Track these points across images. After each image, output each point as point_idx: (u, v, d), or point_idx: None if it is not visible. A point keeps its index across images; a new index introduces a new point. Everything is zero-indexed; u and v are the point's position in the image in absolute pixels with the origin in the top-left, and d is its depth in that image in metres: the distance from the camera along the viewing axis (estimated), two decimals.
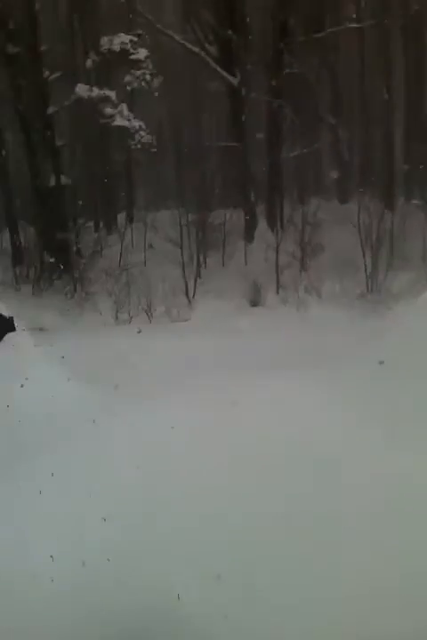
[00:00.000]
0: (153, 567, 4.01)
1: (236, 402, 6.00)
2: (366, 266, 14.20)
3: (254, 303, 13.89)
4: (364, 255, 14.28)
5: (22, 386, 6.35)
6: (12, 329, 7.33)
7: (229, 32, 18.16)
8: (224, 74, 18.52)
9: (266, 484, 4.71)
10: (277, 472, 4.86)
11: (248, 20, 18.86)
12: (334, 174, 23.35)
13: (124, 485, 4.80)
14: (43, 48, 17.38)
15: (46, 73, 17.37)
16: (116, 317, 13.52)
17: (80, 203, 18.82)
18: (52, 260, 16.39)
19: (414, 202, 18.98)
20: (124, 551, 4.13)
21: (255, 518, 4.39)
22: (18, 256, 17.42)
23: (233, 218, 17.66)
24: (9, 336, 7.24)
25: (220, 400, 6.17)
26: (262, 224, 18.57)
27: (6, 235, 18.56)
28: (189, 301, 14.52)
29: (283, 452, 5.06)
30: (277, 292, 14.49)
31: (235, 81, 18.48)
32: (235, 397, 6.09)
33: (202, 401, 6.21)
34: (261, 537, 4.23)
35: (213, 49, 19.03)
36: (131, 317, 13.41)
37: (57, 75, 17.73)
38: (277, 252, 15.12)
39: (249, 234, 18.08)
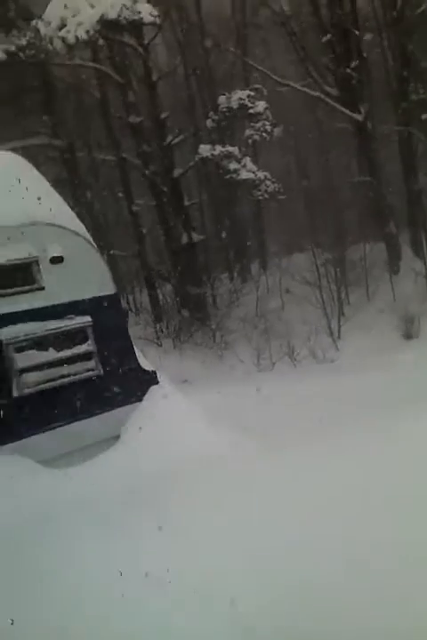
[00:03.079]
0: None
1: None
2: None
3: (409, 335, 12.66)
4: None
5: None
6: (156, 382, 6.98)
7: (348, 70, 17.69)
8: (347, 112, 18.00)
9: None
10: None
11: (365, 54, 18.34)
12: None
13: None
14: (163, 115, 17.94)
15: (169, 137, 17.91)
16: (258, 364, 12.94)
17: (212, 257, 18.85)
18: (188, 314, 16.39)
19: None
20: None
21: None
22: (157, 313, 17.68)
23: (373, 251, 16.70)
24: (153, 389, 6.88)
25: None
26: (407, 253, 17.34)
27: (145, 294, 18.98)
28: (334, 341, 13.60)
29: None
30: None
31: (359, 117, 17.90)
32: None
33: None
34: None
35: (333, 90, 18.65)
36: (273, 363, 12.78)
37: (180, 138, 18.22)
38: None
39: (394, 265, 16.93)
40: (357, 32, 17.65)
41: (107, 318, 6.57)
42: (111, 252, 17.71)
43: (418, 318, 12.84)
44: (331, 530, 3.69)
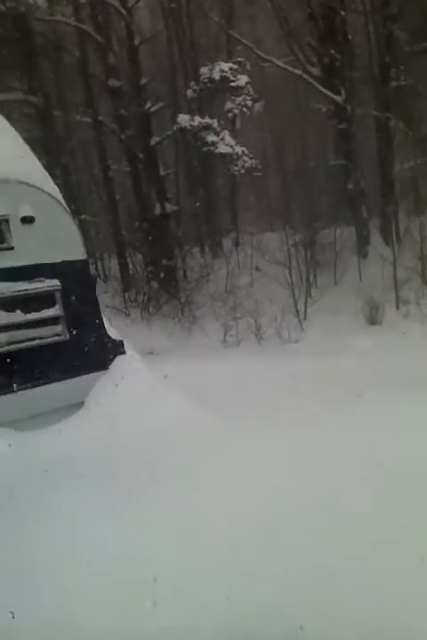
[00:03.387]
0: None
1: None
2: None
3: (373, 321, 12.90)
4: None
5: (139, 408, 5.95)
6: (123, 352, 7.00)
7: (332, 51, 17.65)
8: (328, 93, 17.99)
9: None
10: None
11: (350, 37, 18.30)
12: None
13: None
14: (143, 81, 17.67)
15: (148, 104, 17.66)
16: (225, 340, 13.05)
17: (185, 229, 18.80)
18: (158, 285, 16.35)
19: None
20: None
21: None
22: (127, 282, 17.57)
23: (344, 235, 16.87)
24: (119, 358, 6.91)
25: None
26: (376, 239, 17.55)
27: (115, 262, 18.84)
28: (300, 322, 13.77)
29: None
30: (398, 308, 13.39)
31: (340, 99, 17.90)
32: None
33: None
34: None
35: (315, 69, 18.59)
36: (239, 340, 12.90)
37: (159, 105, 17.99)
38: (394, 266, 14.05)
39: (362, 250, 17.14)
40: (342, 12, 17.53)
41: (76, 284, 6.53)
42: (83, 216, 17.50)
43: (383, 305, 13.08)
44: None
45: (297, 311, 14.02)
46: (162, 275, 16.81)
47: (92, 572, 3.44)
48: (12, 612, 3.06)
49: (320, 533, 3.52)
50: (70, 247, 6.56)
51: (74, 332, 6.45)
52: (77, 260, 6.64)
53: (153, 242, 17.23)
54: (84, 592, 3.30)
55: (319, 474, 4.18)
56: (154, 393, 6.47)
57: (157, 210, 17.75)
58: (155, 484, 4.39)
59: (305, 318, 13.98)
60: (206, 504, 4.01)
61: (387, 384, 6.96)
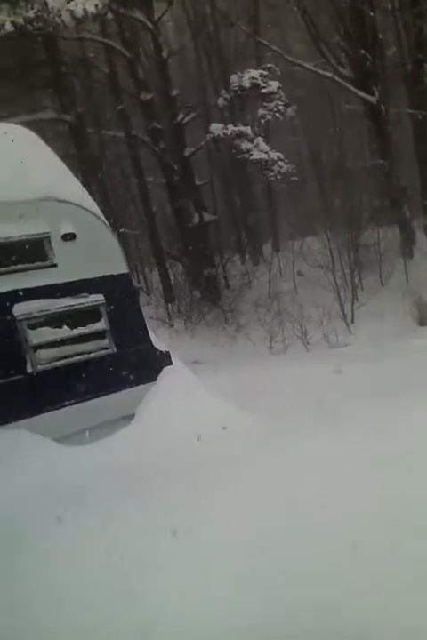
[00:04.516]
0: None
1: None
2: None
3: (423, 322, 12.47)
4: None
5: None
6: (170, 363, 6.90)
7: (362, 51, 17.34)
8: (361, 93, 17.67)
9: None
10: None
11: (380, 36, 17.96)
12: None
13: None
14: (174, 92, 17.70)
15: (180, 115, 17.66)
16: (271, 347, 12.82)
17: (224, 237, 18.71)
18: (200, 295, 16.27)
19: None
20: None
21: None
22: (169, 293, 17.55)
23: (388, 236, 16.48)
24: (167, 369, 6.81)
25: None
26: (421, 238, 17.08)
27: (156, 273, 18.86)
28: (347, 325, 13.43)
29: None
30: None
31: (373, 99, 17.56)
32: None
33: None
34: None
35: (346, 71, 18.30)
36: (286, 346, 12.65)
37: (191, 116, 17.97)
38: None
39: (407, 250, 16.69)
40: (371, 13, 17.23)
41: (119, 297, 6.53)
42: (122, 230, 17.57)
43: None
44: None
45: (344, 314, 13.68)
46: (203, 284, 16.72)
47: None
48: None
49: None
50: (112, 261, 6.56)
51: (120, 345, 6.41)
52: (120, 274, 6.64)
53: (193, 251, 17.17)
54: None
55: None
56: (202, 402, 6.34)
57: (195, 219, 17.70)
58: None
59: (353, 321, 13.63)
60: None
61: None
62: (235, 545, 3.55)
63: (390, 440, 4.66)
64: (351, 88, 17.85)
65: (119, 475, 4.81)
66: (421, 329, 12.43)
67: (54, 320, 5.99)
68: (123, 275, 6.69)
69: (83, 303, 6.21)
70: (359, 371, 8.59)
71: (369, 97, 17.54)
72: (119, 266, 6.65)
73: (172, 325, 15.38)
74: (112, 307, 6.36)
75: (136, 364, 6.52)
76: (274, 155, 16.95)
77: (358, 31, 17.51)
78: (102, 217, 6.67)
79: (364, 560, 3.21)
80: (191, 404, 6.17)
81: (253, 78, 16.64)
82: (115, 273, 6.54)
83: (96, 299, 6.29)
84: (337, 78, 18.06)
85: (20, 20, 14.18)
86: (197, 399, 6.40)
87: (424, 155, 18.12)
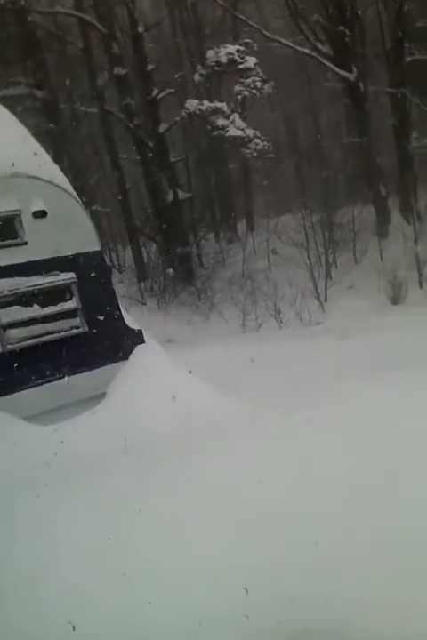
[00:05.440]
0: None
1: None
2: None
3: (396, 300, 12.60)
4: None
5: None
6: (142, 341, 6.88)
7: (341, 28, 17.22)
8: (339, 71, 17.58)
9: None
10: None
11: (359, 12, 17.85)
12: None
13: None
14: (149, 68, 17.41)
15: (155, 91, 17.39)
16: (244, 325, 12.84)
17: (198, 215, 18.57)
18: (174, 273, 16.17)
19: None
20: None
21: None
22: (142, 271, 17.42)
23: (362, 214, 16.51)
24: (139, 348, 6.79)
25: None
26: (396, 217, 17.17)
27: (129, 251, 18.69)
28: (321, 304, 13.50)
29: None
30: (421, 287, 13.06)
31: (352, 76, 17.49)
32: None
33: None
34: None
35: (325, 47, 18.17)
36: (259, 324, 12.68)
37: (166, 92, 17.72)
38: (416, 244, 13.71)
39: (382, 228, 16.77)
40: None
41: (91, 276, 6.49)
42: (94, 207, 17.33)
43: (405, 283, 12.77)
44: None
45: (317, 293, 13.74)
46: (177, 262, 16.62)
47: None
48: None
49: None
50: (84, 239, 6.51)
51: (92, 324, 6.39)
52: (92, 252, 6.60)
53: (167, 230, 17.02)
54: None
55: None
56: (175, 380, 6.34)
57: (170, 197, 17.51)
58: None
59: (326, 300, 13.71)
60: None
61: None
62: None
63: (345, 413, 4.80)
64: (330, 65, 17.75)
65: (80, 456, 4.80)
66: (394, 308, 12.55)
67: (25, 299, 5.92)
68: (95, 252, 6.64)
69: (54, 281, 6.15)
70: (330, 349, 8.70)
71: (348, 74, 17.46)
72: (91, 244, 6.60)
73: (144, 304, 15.30)
74: (84, 285, 6.32)
75: (108, 342, 6.51)
76: (250, 132, 16.82)
77: (337, 7, 17.36)
78: (74, 194, 6.59)
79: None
80: (163, 382, 6.16)
81: (229, 54, 16.42)
82: (87, 251, 6.50)
83: (68, 277, 6.23)
84: (315, 55, 17.93)
85: None
86: (170, 377, 6.40)
87: (402, 133, 18.16)
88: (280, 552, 3.23)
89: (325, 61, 17.86)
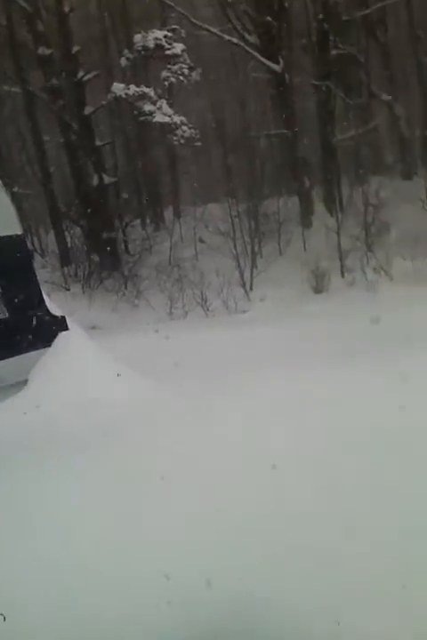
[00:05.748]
0: None
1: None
2: None
3: (319, 289, 12.93)
4: None
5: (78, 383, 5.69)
6: (65, 328, 6.72)
7: (268, 18, 17.39)
8: (266, 61, 17.76)
9: None
10: None
11: (286, 4, 18.09)
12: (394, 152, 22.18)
13: None
14: (75, 49, 16.95)
15: (81, 73, 16.94)
16: (171, 313, 12.81)
17: (124, 200, 18.30)
18: (98, 259, 15.88)
19: None
20: None
21: None
22: (65, 256, 17.01)
23: (288, 205, 16.82)
24: (62, 334, 6.62)
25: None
26: (320, 208, 17.61)
27: (52, 236, 18.21)
28: (247, 292, 13.66)
29: None
30: (343, 276, 13.47)
31: (278, 67, 17.72)
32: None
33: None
34: None
35: (252, 37, 18.31)
36: (186, 312, 12.69)
37: (92, 74, 17.32)
38: (338, 235, 14.10)
39: (306, 219, 17.15)
40: None
41: (12, 260, 6.25)
42: (15, 189, 16.72)
43: (328, 273, 13.13)
44: None
45: (243, 282, 13.89)
46: (102, 248, 16.32)
47: None
48: None
49: None
50: (4, 222, 6.24)
51: (13, 310, 6.18)
52: (13, 235, 6.35)
53: (92, 214, 16.68)
54: None
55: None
56: (99, 367, 6.23)
57: (95, 181, 17.18)
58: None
59: (251, 289, 13.88)
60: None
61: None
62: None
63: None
64: (256, 55, 17.91)
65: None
66: (317, 296, 12.87)
67: None
68: (16, 236, 6.40)
69: None
70: (259, 337, 8.80)
71: (274, 65, 17.69)
72: (12, 227, 6.35)
73: (68, 290, 14.96)
74: (4, 270, 6.09)
75: (30, 329, 6.30)
76: (177, 119, 16.70)
77: None
78: None
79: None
80: (86, 369, 6.05)
81: (157, 39, 16.23)
82: (7, 234, 6.25)
83: None
84: (243, 45, 18.05)
85: None
86: (93, 363, 6.29)
87: (326, 126, 18.56)
88: None
89: (252, 51, 18.01)
